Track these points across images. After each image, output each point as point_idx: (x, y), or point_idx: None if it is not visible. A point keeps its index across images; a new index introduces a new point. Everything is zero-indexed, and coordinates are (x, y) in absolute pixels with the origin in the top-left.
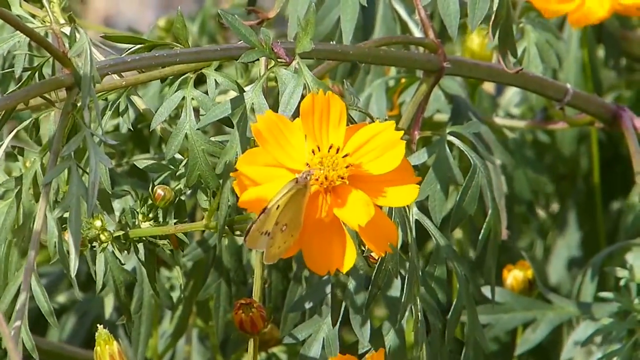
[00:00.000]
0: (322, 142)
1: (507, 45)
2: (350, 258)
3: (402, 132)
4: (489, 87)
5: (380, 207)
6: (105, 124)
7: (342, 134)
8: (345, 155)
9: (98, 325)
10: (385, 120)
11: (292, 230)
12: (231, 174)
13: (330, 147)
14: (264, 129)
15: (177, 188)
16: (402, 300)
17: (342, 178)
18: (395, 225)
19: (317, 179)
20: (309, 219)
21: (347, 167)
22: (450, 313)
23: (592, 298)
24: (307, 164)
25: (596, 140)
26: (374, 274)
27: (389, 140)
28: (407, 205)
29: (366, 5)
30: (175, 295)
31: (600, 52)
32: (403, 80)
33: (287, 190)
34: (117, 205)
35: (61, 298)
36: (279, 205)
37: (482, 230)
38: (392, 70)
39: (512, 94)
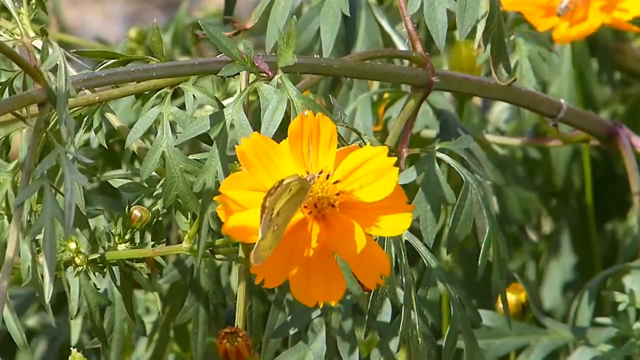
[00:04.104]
0: (311, 167)
1: (500, 57)
2: (339, 290)
3: (395, 158)
4: (475, 102)
5: (372, 236)
6: (78, 140)
7: (332, 159)
8: (336, 182)
9: (71, 348)
10: (373, 136)
11: (277, 237)
12: (215, 199)
13: (320, 173)
14: (249, 152)
15: (154, 209)
16: (400, 328)
17: (333, 206)
18: (388, 254)
19: (305, 207)
20: (297, 248)
21: (337, 194)
22: (445, 339)
23: (588, 323)
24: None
25: (588, 159)
26: (369, 303)
27: (382, 166)
28: None
29: (349, 15)
30: (150, 319)
31: (594, 66)
32: (386, 95)
33: (292, 180)
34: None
35: (30, 321)
36: (290, 189)
37: (482, 249)
38: (375, 84)
39: (499, 110)
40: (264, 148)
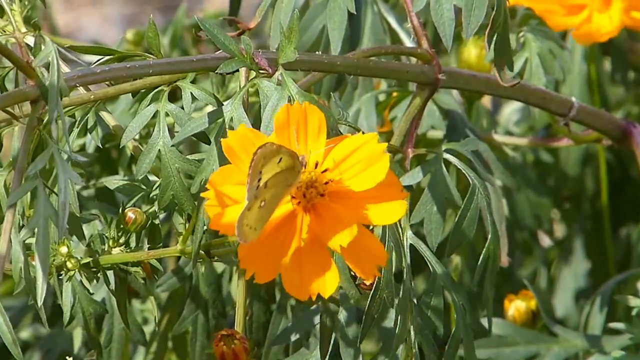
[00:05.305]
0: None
1: (504, 57)
2: (332, 282)
3: (386, 144)
4: (485, 103)
5: (368, 227)
6: (73, 142)
7: (321, 148)
8: (325, 171)
9: (67, 357)
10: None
11: (263, 217)
12: (202, 194)
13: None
14: (236, 145)
15: (150, 211)
16: (396, 332)
17: (322, 195)
18: (390, 249)
19: (294, 197)
20: (287, 241)
21: (326, 183)
22: (447, 346)
23: (601, 330)
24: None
25: (604, 160)
26: (367, 303)
27: (372, 153)
28: (401, 228)
29: (354, 12)
30: (148, 329)
31: (607, 65)
32: (395, 94)
33: (284, 152)
34: (84, 230)
35: (24, 334)
36: (281, 158)
37: (481, 257)
38: (383, 85)
39: (510, 111)
40: (252, 141)
